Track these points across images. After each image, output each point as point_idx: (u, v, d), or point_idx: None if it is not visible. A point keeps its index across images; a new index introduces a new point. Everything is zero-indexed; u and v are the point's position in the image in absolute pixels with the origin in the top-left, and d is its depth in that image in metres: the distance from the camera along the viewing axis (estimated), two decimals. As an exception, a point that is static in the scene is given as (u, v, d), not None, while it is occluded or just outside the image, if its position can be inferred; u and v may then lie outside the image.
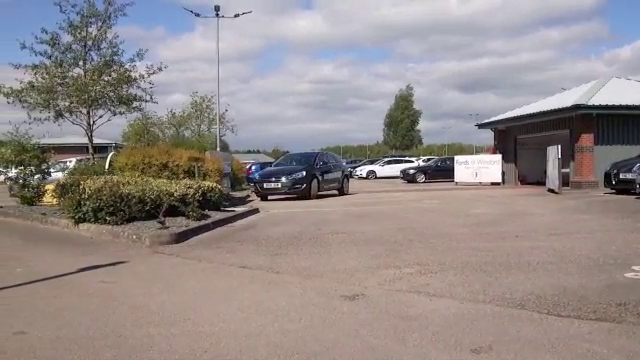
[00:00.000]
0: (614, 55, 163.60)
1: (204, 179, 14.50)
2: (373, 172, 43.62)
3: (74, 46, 18.07)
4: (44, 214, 11.70)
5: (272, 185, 19.07)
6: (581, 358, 3.50)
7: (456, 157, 33.00)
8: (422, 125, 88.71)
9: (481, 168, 28.52)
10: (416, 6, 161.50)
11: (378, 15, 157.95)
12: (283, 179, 19.03)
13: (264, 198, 18.98)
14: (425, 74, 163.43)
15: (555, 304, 4.72)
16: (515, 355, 3.56)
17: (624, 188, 17.42)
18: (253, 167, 35.15)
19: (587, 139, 22.07)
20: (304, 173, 19.42)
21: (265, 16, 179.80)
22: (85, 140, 19.88)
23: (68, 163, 21.70)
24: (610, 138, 22.24)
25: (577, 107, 21.80)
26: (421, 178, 33.91)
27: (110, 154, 18.17)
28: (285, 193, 18.94)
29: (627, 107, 21.95)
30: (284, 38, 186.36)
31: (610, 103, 21.94)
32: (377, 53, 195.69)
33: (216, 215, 11.47)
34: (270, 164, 41.10)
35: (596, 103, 21.92)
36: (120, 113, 19.18)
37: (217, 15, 30.73)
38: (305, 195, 18.85)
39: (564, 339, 3.84)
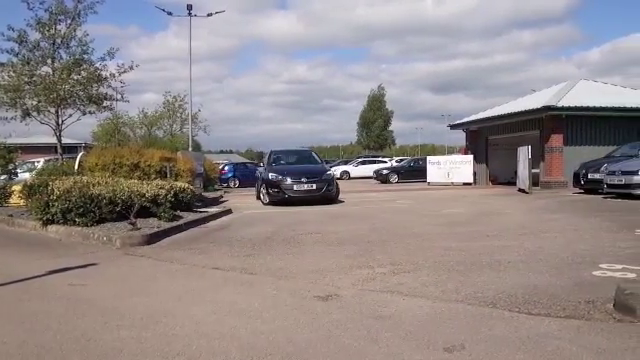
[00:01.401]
0: (583, 58, 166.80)
1: (176, 179, 14.36)
2: (347, 172, 43.74)
3: (42, 44, 17.75)
4: (11, 215, 11.46)
5: (305, 187, 15.98)
6: (551, 355, 3.54)
7: (428, 157, 33.26)
8: (395, 126, 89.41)
9: (453, 168, 28.78)
10: (392, 7, 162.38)
11: (354, 16, 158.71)
12: (315, 180, 16.21)
13: (284, 203, 15.76)
14: (399, 75, 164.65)
15: (526, 302, 4.77)
16: (487, 353, 3.59)
17: (592, 188, 17.73)
18: (226, 167, 35.03)
19: (557, 140, 22.43)
20: (330, 173, 17.41)
21: (239, 16, 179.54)
22: (54, 140, 19.54)
23: (36, 163, 21.33)
24: (579, 139, 22.62)
25: (547, 108, 22.13)
26: (394, 178, 34.13)
27: (80, 154, 17.90)
28: (314, 197, 15.97)
29: (595, 109, 22.36)
30: (259, 38, 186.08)
31: (579, 105, 22.33)
32: (352, 53, 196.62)
33: (188, 216, 11.37)
34: (245, 164, 41.40)
35: (565, 104, 22.28)
36: (90, 112, 18.90)
37: (190, 14, 30.56)
38: (332, 199, 16.48)
39: (534, 337, 3.89)
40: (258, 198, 17.99)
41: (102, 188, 10.35)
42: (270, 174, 16.63)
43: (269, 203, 16.20)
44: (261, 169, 19.24)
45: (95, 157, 15.32)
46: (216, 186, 27.34)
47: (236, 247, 8.30)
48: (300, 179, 16.07)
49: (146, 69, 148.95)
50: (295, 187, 15.95)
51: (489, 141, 28.44)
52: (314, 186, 15.97)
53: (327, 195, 16.16)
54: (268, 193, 16.36)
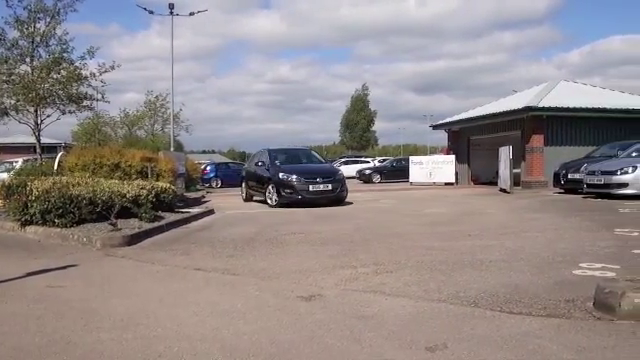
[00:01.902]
0: (563, 59, 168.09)
1: (157, 180, 14.26)
2: (329, 173, 43.62)
3: (21, 42, 17.61)
4: (-12, 217, 11.30)
5: (320, 188, 15.33)
6: (532, 354, 3.57)
7: (411, 158, 33.40)
8: (378, 126, 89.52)
9: (435, 168, 28.92)
10: (375, 8, 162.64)
11: (337, 16, 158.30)
12: (330, 180, 15.65)
13: (297, 205, 15.00)
14: (382, 75, 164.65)
15: (507, 301, 4.80)
16: (469, 352, 3.60)
17: (572, 187, 17.90)
18: (208, 167, 34.86)
19: (537, 140, 22.62)
20: (342, 173, 16.94)
21: (222, 15, 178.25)
22: (33, 139, 19.37)
23: (14, 163, 21.08)
24: (559, 139, 22.84)
25: (528, 109, 22.32)
26: (377, 178, 34.24)
27: (59, 154, 17.73)
28: (329, 198, 15.50)
29: (575, 109, 22.60)
30: (242, 37, 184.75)
31: (559, 105, 22.55)
32: (336, 54, 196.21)
33: (170, 216, 11.29)
34: (227, 164, 41.18)
35: (546, 105, 22.49)
36: (70, 112, 18.76)
37: (171, 13, 30.29)
38: (343, 199, 15.97)
39: (516, 336, 3.91)
40: (249, 199, 17.73)
41: (82, 188, 10.23)
42: (281, 174, 15.59)
43: (278, 205, 15.29)
44: (252, 167, 17.95)
45: (75, 157, 15.18)
46: (198, 186, 27.18)
47: (218, 248, 8.26)
48: (315, 179, 15.38)
49: (128, 68, 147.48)
50: (311, 188, 15.22)
51: (471, 141, 28.63)
52: (330, 186, 15.40)
53: (340, 196, 15.73)
54: (279, 194, 15.34)
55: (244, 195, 18.40)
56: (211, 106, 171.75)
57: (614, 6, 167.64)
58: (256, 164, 17.43)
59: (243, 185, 18.68)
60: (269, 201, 15.66)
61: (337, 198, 15.55)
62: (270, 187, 15.79)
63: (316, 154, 19.34)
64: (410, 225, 10.66)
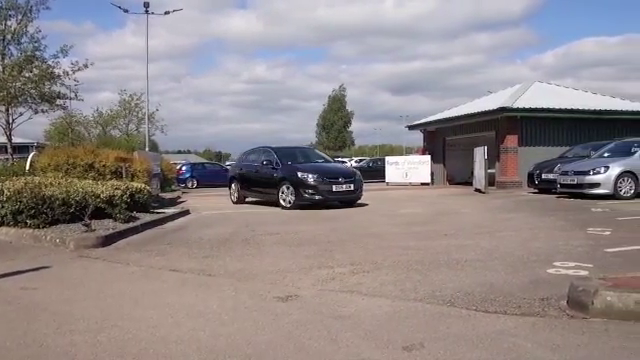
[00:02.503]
0: (538, 60, 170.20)
1: (132, 180, 14.11)
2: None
3: (-9, 40, 17.28)
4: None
5: (343, 188, 14.79)
6: (507, 352, 3.60)
7: (387, 158, 33.52)
8: (355, 126, 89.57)
9: (411, 169, 29.06)
10: (352, 8, 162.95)
11: (314, 16, 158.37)
12: (351, 181, 15.10)
13: (315, 206, 14.34)
14: (359, 76, 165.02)
15: (482, 300, 4.84)
16: (445, 351, 3.62)
17: (546, 187, 18.17)
18: (184, 167, 34.63)
19: (512, 140, 22.88)
20: (359, 173, 16.31)
21: (199, 14, 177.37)
22: (4, 139, 19.03)
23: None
24: (533, 139, 23.13)
25: (502, 110, 22.57)
26: (353, 178, 34.20)
27: (31, 154, 17.44)
28: (351, 199, 15.18)
29: (549, 110, 22.92)
30: (218, 37, 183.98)
31: (533, 106, 22.85)
32: (312, 54, 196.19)
33: (145, 217, 11.19)
34: (203, 164, 40.91)
35: (520, 106, 22.76)
36: (42, 111, 18.51)
37: (146, 12, 30.13)
38: (358, 200, 15.52)
39: (491, 334, 3.95)
40: (241, 201, 17.08)
41: (55, 189, 10.08)
42: (300, 173, 14.70)
43: (294, 206, 14.48)
44: (250, 167, 17.06)
45: (47, 157, 14.95)
46: (174, 186, 26.98)
47: (194, 248, 8.20)
48: (337, 179, 14.78)
49: (102, 67, 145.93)
50: (334, 188, 14.60)
51: (446, 142, 28.85)
52: (352, 187, 14.88)
53: (359, 196, 15.37)
54: (298, 195, 14.48)
55: (235, 196, 17.53)
56: (187, 106, 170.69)
57: (588, 9, 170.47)
58: (261, 163, 16.20)
59: (233, 186, 17.74)
60: (282, 202, 14.76)
61: (357, 199, 15.28)
62: (284, 188, 14.85)
63: (322, 153, 18.59)
64: (386, 225, 10.70)
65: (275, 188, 15.24)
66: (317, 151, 18.88)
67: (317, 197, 14.47)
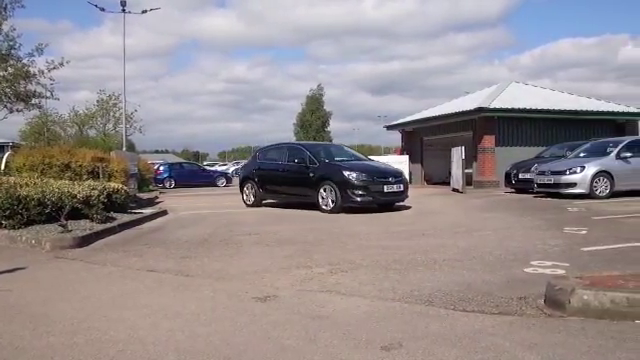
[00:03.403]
0: (515, 61, 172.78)
1: (109, 180, 13.99)
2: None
3: (-35, 39, 16.98)
4: None
5: (394, 189, 13.52)
6: (485, 351, 3.62)
7: (366, 158, 33.47)
8: (333, 126, 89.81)
9: (389, 168, 29.06)
10: (331, 8, 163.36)
11: (293, 16, 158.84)
12: (400, 181, 13.89)
13: (360, 209, 13.15)
14: (338, 76, 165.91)
15: (461, 300, 4.87)
16: (424, 351, 3.64)
17: (523, 187, 18.37)
18: (161, 167, 34.40)
19: (489, 140, 23.08)
20: (404, 172, 15.26)
21: (178, 13, 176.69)
22: (-21, 139, 18.73)
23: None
24: (510, 139, 23.36)
25: (479, 110, 22.75)
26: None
27: (6, 154, 17.17)
28: (400, 200, 14.04)
29: (525, 110, 23.16)
30: (197, 36, 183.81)
31: (510, 106, 23.07)
32: (292, 54, 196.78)
33: (122, 217, 11.09)
34: (181, 164, 40.64)
35: (497, 106, 22.96)
36: (17, 110, 18.23)
37: (123, 10, 29.81)
38: (400, 202, 14.23)
39: (469, 333, 3.97)
40: (257, 204, 15.49)
41: (30, 189, 9.95)
42: (346, 172, 13.28)
43: (337, 209, 13.04)
44: (274, 165, 15.47)
45: (23, 157, 14.76)
46: (151, 186, 26.81)
47: (172, 249, 8.14)
48: (388, 179, 13.51)
49: (79, 66, 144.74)
50: (385, 189, 13.31)
51: (424, 142, 29.00)
52: (401, 187, 13.68)
53: (406, 197, 14.17)
54: (345, 196, 13.02)
55: (250, 198, 15.82)
56: (165, 105, 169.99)
57: (563, 11, 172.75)
58: (289, 161, 14.81)
59: (247, 187, 16.04)
60: (323, 205, 13.36)
61: (403, 200, 14.11)
62: (323, 189, 13.45)
63: (353, 150, 17.16)
64: (364, 225, 10.71)
65: (312, 189, 13.79)
66: (348, 148, 17.27)
67: (367, 199, 13.14)
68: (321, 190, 13.48)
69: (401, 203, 13.98)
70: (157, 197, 20.29)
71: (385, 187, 13.32)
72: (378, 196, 13.28)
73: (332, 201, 13.21)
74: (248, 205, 15.68)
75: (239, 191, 16.53)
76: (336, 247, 8.00)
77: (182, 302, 5.08)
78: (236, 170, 58.07)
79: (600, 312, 4.22)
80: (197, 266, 6.79)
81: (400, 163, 28.90)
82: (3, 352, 3.77)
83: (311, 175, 13.93)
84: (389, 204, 13.71)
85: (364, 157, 16.08)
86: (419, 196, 19.59)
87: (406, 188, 13.95)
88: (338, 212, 12.90)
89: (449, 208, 14.28)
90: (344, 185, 13.13)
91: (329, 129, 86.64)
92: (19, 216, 9.19)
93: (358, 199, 13.05)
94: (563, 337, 3.86)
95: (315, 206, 13.50)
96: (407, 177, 14.58)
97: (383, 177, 13.54)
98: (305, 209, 13.61)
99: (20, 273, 6.57)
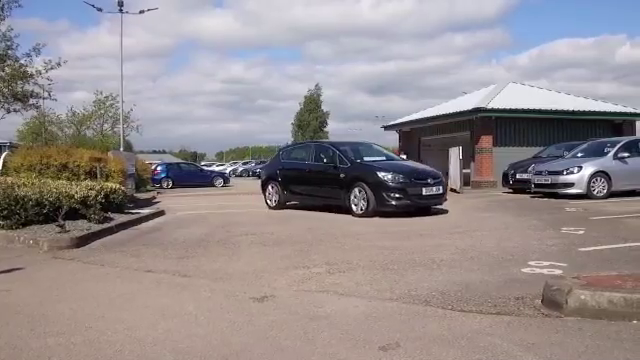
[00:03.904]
0: (513, 61, 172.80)
1: (107, 180, 13.98)
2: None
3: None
4: None
5: (433, 191, 12.45)
6: (483, 351, 3.62)
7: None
8: (331, 127, 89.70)
9: (387, 169, 29.03)
10: (328, 8, 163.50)
11: (290, 16, 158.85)
12: (439, 182, 12.83)
13: (396, 212, 12.02)
14: (335, 76, 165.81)
15: (458, 300, 4.87)
16: (421, 351, 3.64)
17: (521, 187, 18.38)
18: (159, 167, 34.36)
19: (486, 141, 23.11)
20: (441, 174, 13.92)
21: (175, 13, 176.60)
22: (-24, 139, 18.70)
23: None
24: (508, 140, 23.39)
25: (477, 110, 22.78)
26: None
27: (4, 154, 17.15)
28: (438, 203, 12.94)
29: (523, 110, 23.20)
30: (195, 36, 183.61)
31: (508, 107, 23.10)
32: (288, 54, 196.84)
33: (120, 218, 11.08)
34: (179, 164, 40.60)
35: (495, 106, 23.00)
36: (15, 110, 18.20)
37: (121, 10, 29.80)
38: (437, 205, 13.10)
39: (467, 334, 3.97)
40: (281, 206, 14.57)
41: (28, 189, 9.93)
42: (381, 174, 12.26)
43: (371, 213, 12.02)
44: (299, 165, 14.55)
45: (21, 157, 14.74)
46: (149, 187, 26.79)
47: (169, 249, 8.13)
48: (426, 180, 12.49)
49: (77, 66, 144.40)
50: (424, 191, 12.26)
51: (422, 142, 29.02)
52: (440, 189, 12.65)
53: (444, 200, 13.09)
54: (380, 199, 11.98)
55: (274, 200, 14.89)
56: (162, 106, 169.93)
57: (561, 11, 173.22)
58: (316, 161, 13.88)
59: (270, 188, 15.05)
60: (355, 208, 12.37)
61: (441, 203, 13.01)
62: (356, 191, 12.40)
63: (384, 149, 15.76)
64: (362, 225, 10.71)
65: (342, 191, 12.78)
66: (379, 146, 15.72)
67: (405, 202, 12.08)
68: (353, 192, 12.46)
69: (439, 207, 12.98)
70: (155, 197, 20.27)
71: (424, 189, 12.27)
72: (416, 199, 12.24)
73: (364, 204, 12.20)
74: (271, 207, 14.78)
75: (261, 192, 15.69)
76: (334, 247, 8.00)
77: (180, 302, 5.07)
78: (233, 170, 58.18)
79: (597, 312, 4.22)
80: (195, 266, 6.79)
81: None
82: (1, 352, 3.77)
83: (341, 176, 12.90)
84: (427, 208, 12.74)
85: (397, 157, 15.01)
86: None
87: (445, 191, 12.99)
88: (372, 216, 11.94)
89: (447, 208, 14.26)
90: (379, 187, 12.11)
91: (327, 129, 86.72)
92: (17, 216, 9.17)
93: (394, 202, 12.01)
94: (560, 337, 3.87)
95: (343, 209, 12.64)
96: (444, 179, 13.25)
97: (421, 179, 12.51)
98: (333, 212, 12.85)
99: (18, 273, 6.56)
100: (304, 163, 14.35)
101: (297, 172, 14.47)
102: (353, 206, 12.41)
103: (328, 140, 14.04)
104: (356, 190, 12.41)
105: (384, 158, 13.98)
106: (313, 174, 13.88)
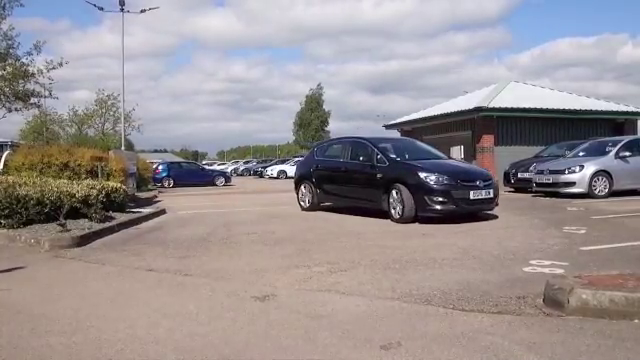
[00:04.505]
0: (514, 61, 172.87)
1: (108, 179, 13.99)
2: (284, 172, 43.68)
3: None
4: None
5: (482, 195, 10.81)
6: (484, 350, 3.62)
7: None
8: (332, 126, 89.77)
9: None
10: (330, 7, 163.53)
11: (292, 15, 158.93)
12: (490, 185, 11.13)
13: (439, 217, 10.64)
14: (336, 75, 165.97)
15: (460, 299, 4.87)
16: (423, 350, 3.64)
17: (522, 186, 18.38)
18: (160, 167, 34.38)
19: (488, 140, 23.05)
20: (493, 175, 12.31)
21: (177, 13, 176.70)
22: (-23, 138, 18.71)
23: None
24: (509, 139, 23.34)
25: (479, 109, 22.73)
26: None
27: (5, 153, 17.13)
28: (489, 208, 11.34)
29: (524, 110, 23.14)
30: (196, 36, 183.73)
31: (509, 106, 23.05)
32: (290, 53, 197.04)
33: (121, 217, 11.08)
34: (180, 163, 40.65)
35: (496, 106, 22.94)
36: (16, 110, 18.22)
37: (122, 10, 29.71)
38: (488, 210, 11.49)
39: (468, 333, 3.97)
40: (314, 207, 13.51)
41: (29, 188, 9.93)
42: (423, 174, 10.77)
43: (410, 219, 10.67)
44: (333, 163, 13.34)
45: (22, 156, 14.76)
46: (150, 186, 26.80)
47: (171, 248, 8.14)
48: (475, 183, 10.92)
49: (79, 66, 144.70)
50: (472, 195, 10.68)
51: (423, 141, 28.89)
52: (491, 193, 11.00)
53: (496, 205, 11.50)
54: (421, 203, 10.54)
55: (307, 201, 13.82)
56: (164, 105, 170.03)
57: (562, 11, 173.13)
58: (352, 159, 12.68)
59: (304, 188, 13.98)
60: (393, 212, 10.99)
61: (492, 208, 11.44)
62: (395, 192, 10.96)
63: (430, 147, 13.91)
64: (364, 224, 10.70)
65: (379, 193, 11.43)
66: (422, 144, 14.29)
67: (449, 207, 10.57)
68: (392, 194, 11.07)
69: (489, 212, 11.51)
70: (156, 196, 20.26)
71: (472, 193, 10.71)
72: (462, 204, 10.67)
73: (402, 208, 10.78)
74: (304, 209, 13.73)
75: (294, 191, 14.60)
76: (335, 246, 8.00)
77: (181, 301, 5.08)
78: (235, 169, 58.16)
79: (599, 311, 4.22)
80: (196, 265, 6.79)
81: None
82: (2, 351, 3.77)
83: (379, 177, 11.55)
84: (475, 213, 11.20)
85: (443, 155, 13.34)
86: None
87: (496, 195, 11.32)
88: (411, 222, 10.66)
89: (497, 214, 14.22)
90: (420, 190, 10.64)
91: (328, 128, 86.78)
92: (18, 215, 9.18)
93: (437, 207, 10.55)
94: (562, 336, 3.87)
95: (380, 213, 11.36)
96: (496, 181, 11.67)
97: (469, 180, 10.98)
98: (370, 216, 11.78)
99: (19, 272, 6.56)
100: (339, 161, 13.15)
101: (332, 171, 13.31)
102: (392, 210, 11.05)
103: (367, 136, 12.96)
104: (394, 192, 11.03)
105: (429, 157, 12.56)
106: (349, 173, 12.67)
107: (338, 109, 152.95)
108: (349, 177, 12.62)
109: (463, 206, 10.72)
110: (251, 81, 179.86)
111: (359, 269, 6.29)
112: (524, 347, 3.66)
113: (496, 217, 11.33)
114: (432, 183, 10.66)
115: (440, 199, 10.55)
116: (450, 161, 12.64)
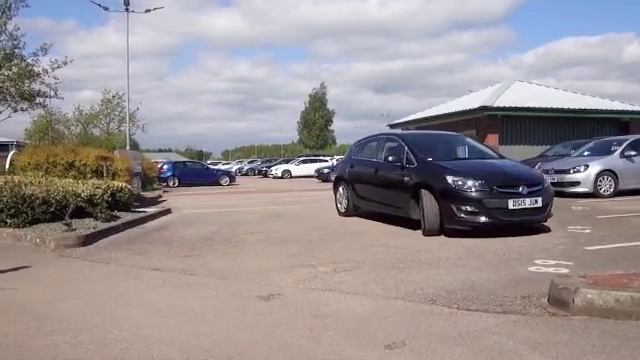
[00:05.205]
0: (519, 60, 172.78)
1: (113, 179, 14.02)
2: (288, 171, 43.72)
3: (-31, 38, 17.01)
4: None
5: (526, 204, 8.54)
6: (489, 350, 3.61)
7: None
8: (336, 125, 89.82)
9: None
10: (335, 7, 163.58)
11: (296, 15, 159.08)
12: (539, 192, 8.77)
13: (474, 231, 8.49)
14: (341, 75, 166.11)
15: (464, 298, 4.87)
16: (427, 349, 3.64)
17: (526, 186, 18.27)
18: (165, 166, 34.43)
19: (492, 139, 23.04)
20: (547, 179, 9.86)
21: (182, 12, 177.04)
22: (-17, 138, 18.79)
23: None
24: (514, 138, 23.34)
25: (483, 108, 22.74)
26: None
27: (11, 153, 17.20)
28: (537, 220, 9.04)
29: (529, 109, 23.14)
30: (201, 35, 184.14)
31: (514, 105, 23.04)
32: (294, 52, 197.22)
33: (126, 216, 11.11)
34: (185, 163, 40.73)
35: (501, 105, 22.94)
36: (22, 109, 18.25)
37: (127, 10, 29.81)
38: (540, 222, 9.19)
39: (473, 332, 3.96)
40: (349, 213, 11.87)
41: (35, 188, 9.98)
42: (451, 178, 8.75)
43: (436, 232, 8.72)
44: (366, 164, 11.54)
45: (27, 156, 14.83)
46: (155, 185, 26.84)
47: (175, 247, 8.15)
48: (516, 188, 8.65)
49: (84, 65, 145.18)
50: (511, 204, 8.44)
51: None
52: (539, 202, 8.66)
53: (547, 217, 9.12)
54: (447, 213, 8.58)
55: (344, 204, 12.20)
56: (169, 104, 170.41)
57: (567, 10, 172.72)
58: (382, 158, 10.73)
59: (341, 189, 12.36)
60: (422, 222, 8.96)
61: (543, 220, 9.13)
62: (421, 199, 8.98)
63: (477, 143, 12.13)
64: (367, 224, 10.69)
65: (406, 198, 9.53)
66: (470, 140, 11.84)
67: (479, 219, 8.46)
68: (411, 201, 9.36)
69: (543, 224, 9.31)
70: (161, 196, 20.31)
71: (511, 202, 8.48)
72: (498, 214, 8.47)
73: (424, 218, 8.89)
74: (340, 213, 12.21)
75: (332, 193, 12.99)
76: (340, 246, 8.00)
77: (186, 301, 5.09)
78: (239, 169, 58.21)
79: (604, 311, 4.21)
80: (201, 265, 6.80)
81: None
82: (8, 350, 3.79)
83: (406, 180, 9.64)
84: (517, 226, 8.80)
85: (494, 153, 11.07)
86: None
87: (547, 204, 8.91)
88: (437, 234, 8.74)
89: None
90: (446, 196, 8.70)
91: (332, 128, 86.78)
92: (24, 215, 9.22)
93: (465, 218, 8.53)
94: (567, 336, 3.86)
95: (408, 221, 9.58)
96: (551, 187, 9.48)
97: (508, 186, 8.73)
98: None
99: (25, 272, 6.59)
100: (372, 161, 11.39)
101: (365, 172, 11.46)
102: (422, 219, 9.01)
103: (399, 132, 11.11)
104: (420, 198, 9.05)
105: (475, 156, 10.65)
106: (379, 175, 10.79)
107: (342, 108, 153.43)
108: (379, 180, 10.80)
109: (499, 217, 8.53)
110: (256, 80, 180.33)
111: (363, 268, 6.29)
112: (529, 347, 3.66)
113: (548, 230, 9.05)
114: (460, 189, 8.67)
115: (469, 209, 8.55)
116: (493, 161, 10.26)
